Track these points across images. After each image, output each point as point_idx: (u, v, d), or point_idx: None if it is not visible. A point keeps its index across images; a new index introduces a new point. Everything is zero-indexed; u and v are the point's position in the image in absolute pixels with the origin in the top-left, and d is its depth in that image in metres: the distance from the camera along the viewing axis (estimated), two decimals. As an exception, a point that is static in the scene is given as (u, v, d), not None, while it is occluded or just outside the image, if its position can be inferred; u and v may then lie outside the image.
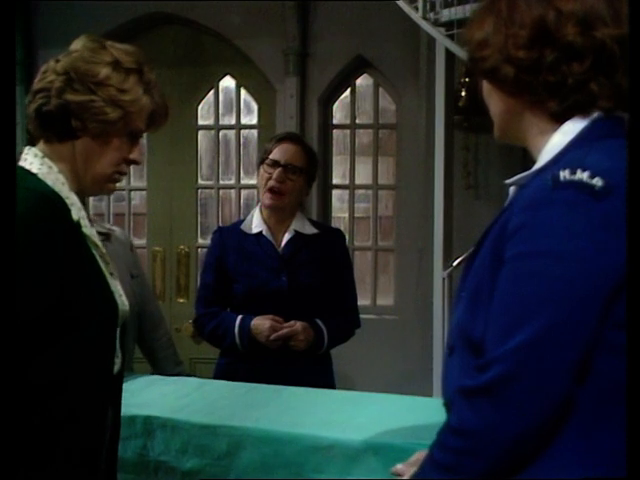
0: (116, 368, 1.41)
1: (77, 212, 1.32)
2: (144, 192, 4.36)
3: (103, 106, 1.33)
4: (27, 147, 1.37)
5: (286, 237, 2.39)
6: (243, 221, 2.47)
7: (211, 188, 4.28)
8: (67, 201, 1.31)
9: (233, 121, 4.24)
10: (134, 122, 1.38)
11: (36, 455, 1.24)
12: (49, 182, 1.31)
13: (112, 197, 4.23)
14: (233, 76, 4.20)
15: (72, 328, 1.26)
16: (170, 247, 4.27)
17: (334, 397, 1.85)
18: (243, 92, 4.21)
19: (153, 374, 2.31)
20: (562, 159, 1.02)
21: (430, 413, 1.17)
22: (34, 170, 1.33)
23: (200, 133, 4.27)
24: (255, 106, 4.21)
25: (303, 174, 2.37)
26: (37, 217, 1.23)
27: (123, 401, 1.79)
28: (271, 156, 2.35)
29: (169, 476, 1.68)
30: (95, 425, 1.33)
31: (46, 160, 1.34)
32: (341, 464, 1.54)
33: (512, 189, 1.13)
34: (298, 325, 2.31)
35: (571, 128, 1.05)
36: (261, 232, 2.39)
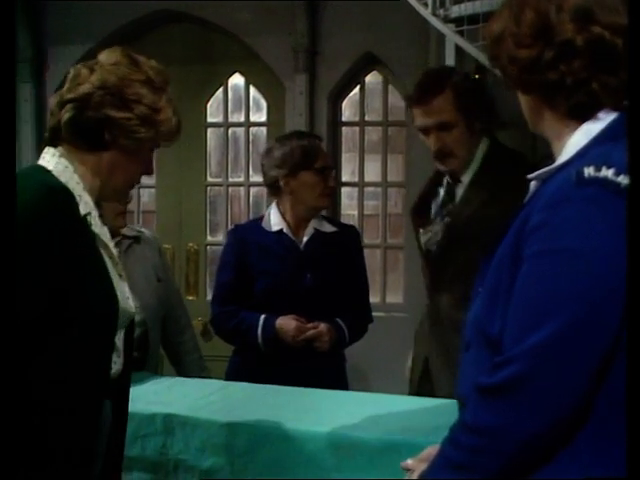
0: (116, 368, 1.41)
1: (85, 207, 1.34)
2: (153, 190, 4.36)
3: (138, 124, 1.36)
4: (47, 147, 1.39)
5: (307, 235, 2.41)
6: (261, 219, 2.47)
7: (220, 185, 4.28)
8: (76, 196, 1.33)
9: (242, 118, 4.23)
10: (160, 139, 1.42)
11: (32, 453, 1.25)
12: (63, 179, 1.33)
13: (121, 195, 4.23)
14: (242, 73, 4.19)
15: (69, 325, 1.27)
16: (179, 245, 4.27)
17: (356, 398, 1.86)
18: (252, 89, 4.20)
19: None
20: (586, 155, 1.01)
21: (452, 414, 1.16)
22: (50, 167, 1.35)
23: (209, 131, 4.27)
24: (264, 103, 4.21)
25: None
26: (40, 208, 1.25)
27: (145, 399, 1.81)
28: (321, 162, 2.37)
29: (188, 474, 1.68)
30: (88, 424, 1.34)
31: (62, 160, 1.36)
32: (361, 463, 1.55)
33: (533, 184, 1.12)
34: (323, 326, 2.33)
35: (593, 126, 1.05)
36: (282, 230, 2.40)
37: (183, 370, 2.32)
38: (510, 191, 1.98)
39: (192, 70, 4.17)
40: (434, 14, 2.98)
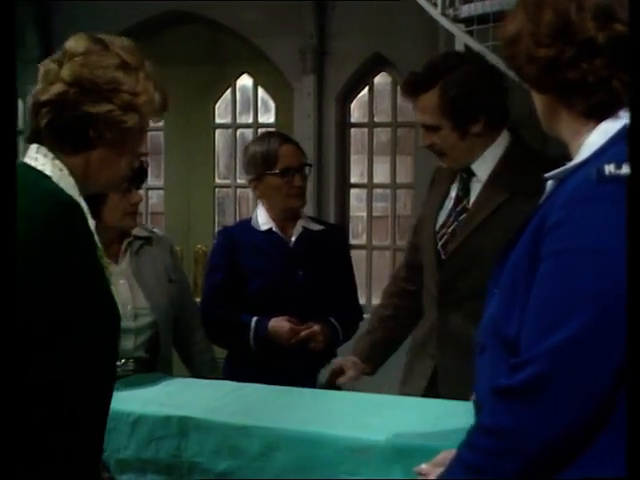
0: None
1: (90, 221, 1.29)
2: (161, 191, 4.36)
3: (121, 114, 1.29)
4: (35, 145, 1.32)
5: (295, 233, 2.41)
6: (250, 219, 2.47)
7: (228, 187, 4.28)
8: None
9: (250, 120, 4.24)
10: (147, 121, 1.36)
11: (36, 456, 1.23)
12: (62, 186, 1.27)
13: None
14: (250, 74, 4.19)
15: (75, 333, 1.23)
16: (187, 246, 4.27)
17: (371, 400, 1.83)
18: (260, 90, 4.21)
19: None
20: (605, 153, 1.00)
21: (468, 417, 1.15)
22: (47, 172, 1.28)
23: (217, 132, 4.27)
24: (272, 105, 4.21)
25: (309, 169, 2.44)
26: (56, 231, 1.19)
27: (158, 401, 1.80)
28: (281, 164, 2.34)
29: (202, 477, 1.67)
30: (96, 427, 1.31)
31: (57, 162, 1.30)
32: (376, 466, 1.53)
33: (549, 183, 1.11)
34: (316, 327, 2.31)
35: (611, 124, 1.04)
36: (271, 229, 2.40)
37: (195, 371, 2.31)
38: (530, 191, 1.94)
39: (200, 71, 4.17)
40: (443, 14, 2.97)
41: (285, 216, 2.41)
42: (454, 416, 1.61)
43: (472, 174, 1.98)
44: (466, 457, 1.01)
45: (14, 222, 1.09)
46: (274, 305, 2.33)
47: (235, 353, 2.43)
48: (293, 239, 2.40)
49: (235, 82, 4.22)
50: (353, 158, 4.15)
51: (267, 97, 4.21)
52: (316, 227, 2.46)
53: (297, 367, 2.26)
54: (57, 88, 1.28)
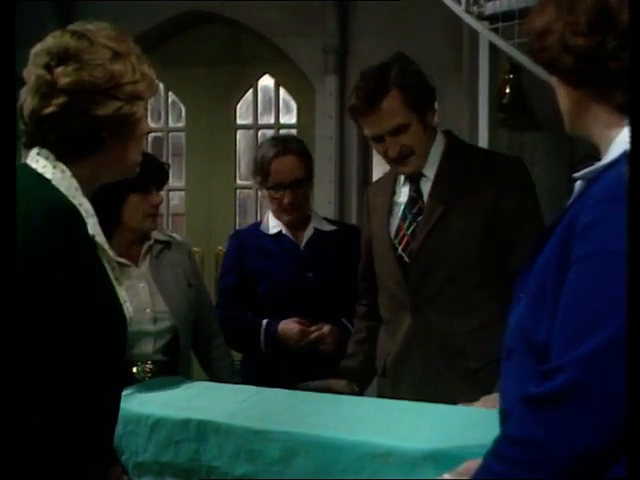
0: None
1: (91, 224, 1.25)
2: (182, 192, 4.36)
3: (129, 107, 1.27)
4: (37, 148, 1.28)
5: (307, 235, 2.40)
6: (260, 222, 2.47)
7: (250, 188, 4.26)
8: (82, 211, 1.24)
9: (272, 120, 4.22)
10: (148, 101, 1.33)
11: (39, 459, 1.20)
12: (63, 189, 1.23)
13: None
14: (272, 75, 4.18)
15: (77, 336, 1.21)
16: (208, 248, 4.26)
17: (393, 406, 1.80)
18: (282, 91, 4.19)
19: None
20: None
21: (490, 424, 1.12)
22: (48, 175, 1.24)
23: (239, 133, 4.26)
24: (294, 105, 4.19)
25: (309, 180, 2.40)
26: (54, 236, 1.16)
27: (178, 405, 1.79)
28: (272, 179, 2.32)
29: (221, 481, 1.65)
30: (102, 430, 1.30)
31: (59, 164, 1.26)
32: (399, 472, 1.49)
33: (578, 183, 1.07)
34: (326, 328, 2.30)
35: None
36: (281, 231, 2.39)
37: (214, 376, 2.29)
38: (478, 180, 1.96)
39: (221, 72, 4.17)
40: (467, 11, 2.93)
41: (288, 223, 2.40)
42: (476, 423, 1.57)
43: (421, 175, 2.02)
44: (493, 467, 0.97)
45: (14, 225, 1.07)
46: (285, 307, 2.33)
47: (248, 356, 2.42)
48: (304, 241, 2.39)
49: (256, 82, 4.21)
50: (376, 159, 4.10)
51: (289, 98, 4.19)
52: (328, 227, 2.45)
53: (309, 369, 2.25)
54: (59, 100, 1.23)
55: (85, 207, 1.27)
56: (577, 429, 0.89)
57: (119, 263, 1.50)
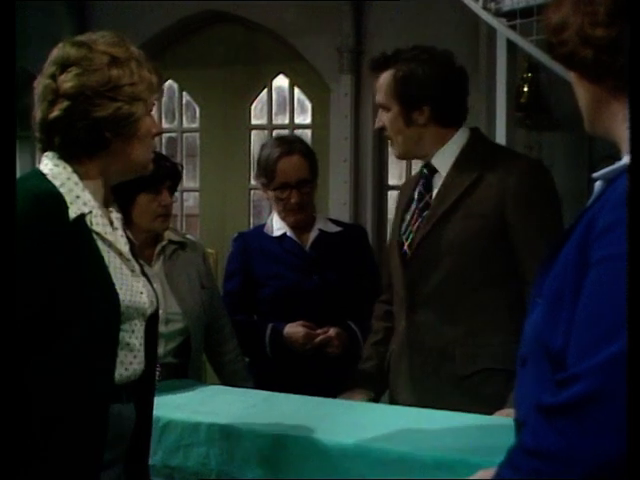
0: (133, 368, 1.38)
1: (82, 207, 1.31)
2: (196, 193, 4.34)
3: (128, 108, 1.34)
4: (47, 152, 1.37)
5: (312, 237, 2.37)
6: (265, 225, 2.44)
7: (264, 189, 4.23)
8: (70, 198, 1.30)
9: (286, 121, 4.19)
10: (152, 103, 1.40)
11: (32, 460, 1.23)
12: (57, 182, 1.31)
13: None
14: (287, 75, 4.15)
15: (64, 329, 1.25)
16: (222, 249, 4.22)
17: (405, 413, 1.76)
18: (297, 91, 4.16)
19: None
20: None
21: (508, 434, 1.08)
22: (45, 171, 1.33)
23: (253, 133, 4.23)
24: (309, 105, 4.16)
25: (314, 181, 2.37)
26: (25, 218, 1.22)
27: (189, 408, 1.77)
28: (278, 180, 2.30)
29: (231, 486, 1.62)
30: (92, 427, 1.30)
31: (61, 162, 1.34)
32: None
33: (598, 184, 1.02)
34: (332, 331, 2.27)
35: None
36: (285, 234, 2.36)
37: (226, 380, 2.26)
38: (489, 180, 1.89)
39: (235, 71, 4.15)
40: (485, 8, 2.88)
41: (293, 224, 2.37)
42: (490, 431, 1.54)
43: (434, 170, 1.98)
44: (507, 477, 0.92)
45: (13, 224, 1.10)
46: (290, 311, 2.30)
47: (254, 359, 2.39)
48: (308, 243, 2.36)
49: (271, 82, 4.18)
50: (391, 159, 4.06)
51: (303, 97, 4.16)
52: (334, 229, 2.41)
53: (316, 372, 2.23)
54: (62, 105, 1.32)
55: (84, 199, 1.33)
56: (594, 440, 0.84)
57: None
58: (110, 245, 1.37)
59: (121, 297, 1.33)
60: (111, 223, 1.41)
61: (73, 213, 1.30)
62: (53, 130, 1.34)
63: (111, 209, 1.45)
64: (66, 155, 1.35)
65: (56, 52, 1.37)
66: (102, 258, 1.33)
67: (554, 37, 1.02)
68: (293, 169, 2.30)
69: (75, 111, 1.32)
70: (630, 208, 0.85)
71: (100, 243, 1.35)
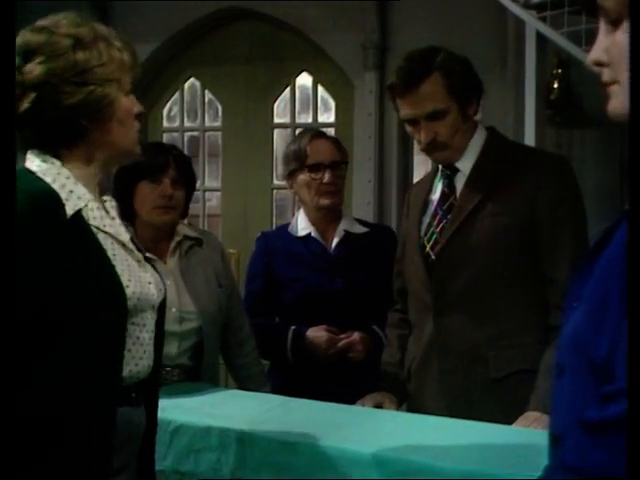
0: (142, 364, 1.33)
1: (77, 203, 1.25)
2: (218, 193, 4.29)
3: (101, 91, 1.26)
4: (29, 149, 1.31)
5: (336, 238, 2.30)
6: (289, 224, 2.38)
7: (287, 189, 4.16)
8: (64, 194, 1.24)
9: (310, 119, 4.12)
10: (126, 82, 1.31)
11: (35, 464, 1.18)
12: (48, 178, 1.25)
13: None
14: (310, 72, 4.08)
15: (68, 328, 1.20)
16: (245, 249, 4.16)
17: (425, 422, 1.68)
18: (320, 89, 4.09)
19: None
20: None
21: (534, 445, 1.00)
22: (34, 168, 1.27)
23: (276, 132, 4.17)
24: (332, 103, 4.09)
25: (345, 166, 2.34)
26: (24, 219, 1.17)
27: (200, 411, 1.71)
28: (311, 160, 2.25)
29: (243, 493, 1.55)
30: (98, 427, 1.25)
31: (47, 157, 1.28)
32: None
33: None
34: (356, 335, 2.21)
35: None
36: (309, 234, 2.30)
37: (242, 384, 2.19)
38: (514, 178, 1.84)
39: (259, 69, 4.09)
40: (513, 0, 2.80)
41: (322, 216, 2.30)
42: (516, 443, 1.46)
43: (456, 170, 1.92)
44: None
45: (13, 225, 1.06)
46: (313, 314, 2.23)
47: (275, 363, 2.33)
48: (333, 244, 2.30)
49: (294, 80, 4.12)
50: (416, 158, 3.98)
51: (327, 95, 4.09)
52: (360, 230, 2.34)
53: (338, 378, 2.16)
54: (29, 97, 1.24)
55: (78, 193, 1.27)
56: None
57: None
58: (112, 237, 1.32)
59: (132, 290, 1.29)
60: (107, 213, 1.36)
61: (70, 210, 1.25)
62: (24, 124, 1.27)
63: (105, 198, 1.40)
64: (44, 148, 1.29)
65: (17, 41, 1.28)
66: (105, 252, 1.28)
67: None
68: (326, 150, 2.28)
69: (44, 101, 1.24)
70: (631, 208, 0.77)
71: (101, 236, 1.30)
